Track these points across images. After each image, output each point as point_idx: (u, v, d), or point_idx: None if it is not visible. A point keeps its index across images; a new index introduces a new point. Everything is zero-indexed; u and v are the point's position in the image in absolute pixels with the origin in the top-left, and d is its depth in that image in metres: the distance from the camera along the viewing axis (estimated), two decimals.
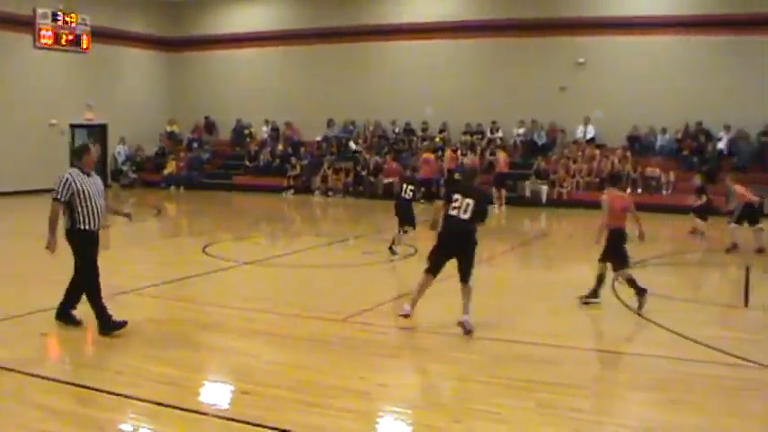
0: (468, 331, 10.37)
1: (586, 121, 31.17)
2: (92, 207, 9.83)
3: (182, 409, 7.50)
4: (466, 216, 10.48)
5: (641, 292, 12.04)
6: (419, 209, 19.38)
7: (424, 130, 33.79)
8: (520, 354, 9.79)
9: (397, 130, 34.51)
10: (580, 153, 30.30)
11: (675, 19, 29.96)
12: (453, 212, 10.55)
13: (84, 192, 9.77)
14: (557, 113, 31.69)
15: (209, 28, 38.51)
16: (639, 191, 28.35)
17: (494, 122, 32.41)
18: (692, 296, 14.09)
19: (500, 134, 32.32)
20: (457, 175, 28.84)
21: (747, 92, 28.87)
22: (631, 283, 12.13)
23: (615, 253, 12.20)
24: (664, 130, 30.38)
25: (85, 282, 9.97)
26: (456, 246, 10.59)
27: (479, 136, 32.55)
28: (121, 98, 35.91)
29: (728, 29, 29.19)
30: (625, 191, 27.67)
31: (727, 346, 9.95)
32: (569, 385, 8.58)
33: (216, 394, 8.30)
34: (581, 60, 31.39)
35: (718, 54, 29.62)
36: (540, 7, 31.68)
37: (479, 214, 10.59)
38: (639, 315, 11.73)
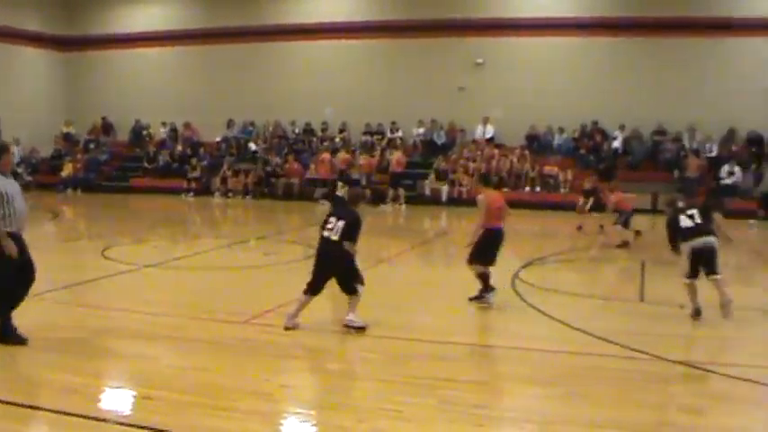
0: (357, 328, 10.49)
1: (485, 121, 31.62)
2: (13, 209, 9.47)
3: (83, 417, 7.35)
4: (336, 237, 10.53)
5: (488, 290, 12.21)
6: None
7: (323, 130, 33.81)
8: (421, 351, 9.88)
9: (296, 130, 34.43)
10: (479, 152, 30.69)
11: (573, 21, 30.68)
12: (326, 234, 10.65)
13: (5, 194, 9.45)
14: (456, 113, 32.03)
15: (107, 27, 37.79)
16: (538, 189, 28.92)
17: (393, 123, 32.62)
18: (590, 291, 14.39)
19: (400, 134, 32.54)
20: (356, 174, 29.03)
21: (641, 92, 29.80)
22: (483, 278, 12.26)
23: (483, 250, 12.25)
24: (561, 130, 31.03)
25: (4, 284, 9.62)
26: (328, 266, 10.66)
27: (380, 136, 32.72)
28: (15, 98, 34.88)
29: (623, 31, 30.13)
30: (524, 189, 28.32)
31: (624, 339, 10.22)
32: (470, 382, 8.72)
33: (118, 400, 8.15)
34: (479, 61, 31.83)
35: (614, 56, 30.50)
36: (440, 8, 31.98)
37: (347, 237, 10.56)
38: (545, 314, 11.96)
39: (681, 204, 12.37)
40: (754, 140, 29.13)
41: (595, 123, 30.56)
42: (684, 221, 11.77)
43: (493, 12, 31.82)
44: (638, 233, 19.93)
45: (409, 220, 26.59)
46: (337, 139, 32.81)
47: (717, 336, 11.22)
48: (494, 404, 8.13)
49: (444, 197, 29.21)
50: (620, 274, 17.50)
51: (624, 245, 19.31)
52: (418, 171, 30.41)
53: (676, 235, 11.89)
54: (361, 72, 33.25)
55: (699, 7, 29.70)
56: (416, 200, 29.17)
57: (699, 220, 11.74)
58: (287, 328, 10.50)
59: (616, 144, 30.10)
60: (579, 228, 21.99)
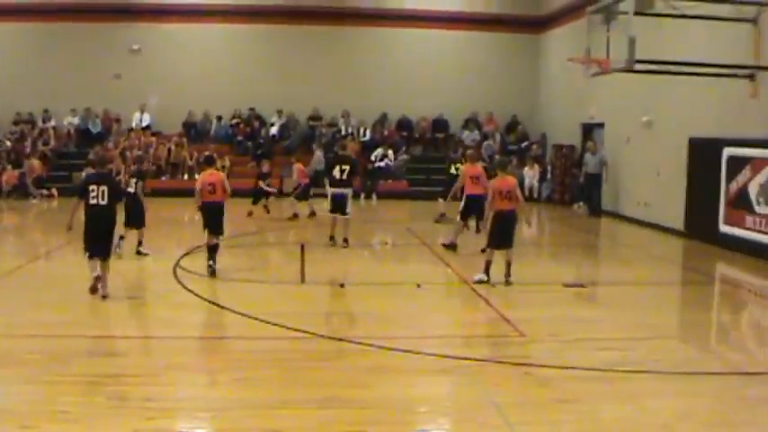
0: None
1: (142, 109, 31.03)
2: None
3: None
4: (105, 202, 11.40)
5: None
6: None
7: None
8: (86, 349, 9.62)
9: None
10: (137, 141, 30.07)
11: (230, 7, 31.19)
12: (93, 201, 11.41)
13: None
14: (112, 101, 31.05)
15: None
16: (197, 177, 28.78)
17: (46, 111, 31.07)
18: (253, 276, 14.64)
19: (53, 123, 31.09)
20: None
21: (297, 79, 30.78)
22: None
23: None
24: (219, 117, 31.18)
25: None
26: (103, 228, 11.53)
27: (30, 125, 31.08)
28: None
29: (277, 19, 30.99)
30: (183, 177, 28.22)
31: (287, 320, 10.56)
32: (138, 375, 8.59)
33: None
34: (136, 47, 31.10)
35: (269, 43, 31.24)
36: None
37: (116, 198, 11.82)
38: (209, 301, 12.01)
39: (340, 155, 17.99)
40: (404, 125, 31.14)
41: (252, 110, 31.12)
42: (336, 172, 16.91)
43: None
44: (295, 216, 22.11)
45: (63, 212, 25.56)
46: None
47: (373, 311, 11.88)
48: (164, 396, 8.04)
49: None
50: (281, 257, 17.95)
51: (294, 217, 21.98)
52: (73, 162, 29.15)
53: (327, 175, 17.24)
54: (8, 56, 31.25)
55: None
56: (71, 192, 27.94)
57: (345, 177, 16.91)
58: None
59: (273, 130, 30.74)
60: (250, 214, 22.30)
